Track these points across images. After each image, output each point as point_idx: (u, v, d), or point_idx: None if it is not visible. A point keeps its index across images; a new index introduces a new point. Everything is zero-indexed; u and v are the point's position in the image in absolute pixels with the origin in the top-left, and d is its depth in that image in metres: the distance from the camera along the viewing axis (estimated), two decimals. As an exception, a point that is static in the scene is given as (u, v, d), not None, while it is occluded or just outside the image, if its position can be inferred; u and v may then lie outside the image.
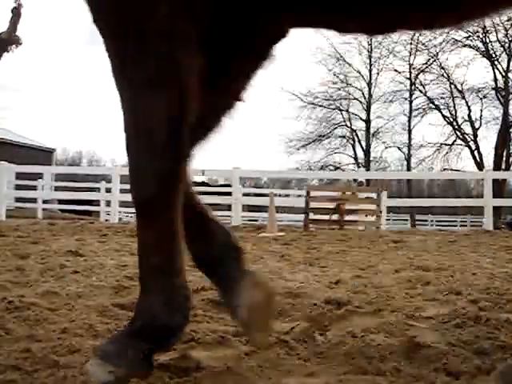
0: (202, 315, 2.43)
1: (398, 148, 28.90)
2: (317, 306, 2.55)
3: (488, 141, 29.01)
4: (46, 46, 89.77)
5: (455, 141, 27.63)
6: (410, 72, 27.82)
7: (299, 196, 14.83)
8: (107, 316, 2.43)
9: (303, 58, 44.62)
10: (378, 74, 28.78)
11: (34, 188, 17.77)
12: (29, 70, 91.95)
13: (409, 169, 27.24)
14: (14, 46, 7.25)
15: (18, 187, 16.03)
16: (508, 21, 25.08)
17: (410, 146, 28.07)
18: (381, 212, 9.26)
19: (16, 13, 7.75)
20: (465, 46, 26.67)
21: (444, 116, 27.61)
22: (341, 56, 28.65)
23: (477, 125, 26.91)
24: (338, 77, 29.02)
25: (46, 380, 1.60)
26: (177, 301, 1.62)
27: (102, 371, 1.53)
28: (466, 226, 27.34)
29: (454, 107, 27.39)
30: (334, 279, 3.49)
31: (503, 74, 25.97)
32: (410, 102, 27.91)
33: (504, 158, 26.05)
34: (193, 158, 1.79)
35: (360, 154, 29.33)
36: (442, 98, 27.67)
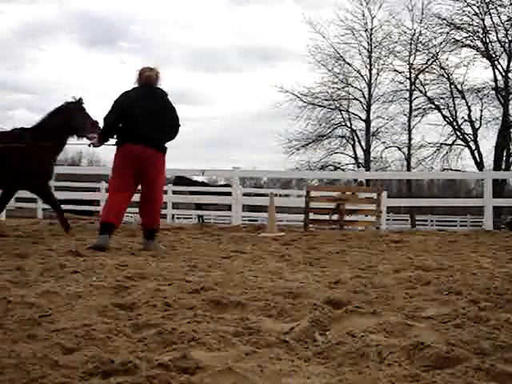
0: (202, 315, 2.43)
1: (398, 148, 28.85)
2: (317, 306, 2.56)
3: (488, 141, 28.94)
4: (46, 46, 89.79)
5: (455, 141, 27.59)
6: (410, 72, 27.76)
7: (299, 196, 14.83)
8: (107, 316, 2.43)
9: (303, 57, 44.67)
10: (377, 74, 28.73)
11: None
12: (28, 69, 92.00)
13: (409, 169, 27.21)
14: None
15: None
16: (508, 21, 25.10)
17: (410, 146, 28.04)
18: (381, 212, 9.25)
19: None
20: (465, 46, 26.61)
21: (444, 116, 27.55)
22: (341, 56, 28.59)
23: (477, 125, 26.84)
24: (337, 77, 28.99)
25: (46, 380, 1.60)
26: None
27: None
28: (466, 226, 27.33)
29: (454, 107, 27.32)
30: (334, 279, 3.49)
31: (503, 74, 25.93)
32: (410, 102, 27.84)
33: (504, 158, 26.03)
34: None
35: (360, 153, 29.33)
36: (441, 98, 27.60)
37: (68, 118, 7.02)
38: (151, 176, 5.34)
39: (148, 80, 5.47)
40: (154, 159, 5.31)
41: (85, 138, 7.05)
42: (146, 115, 5.27)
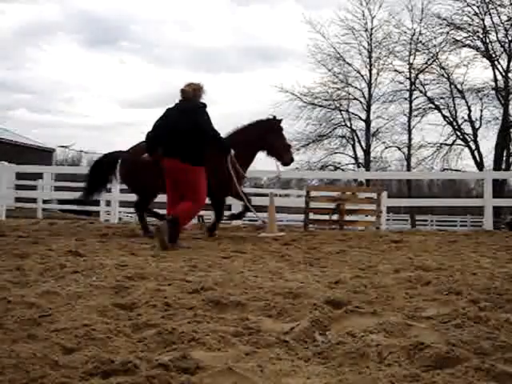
0: (202, 315, 2.43)
1: (398, 148, 28.84)
2: (317, 306, 2.56)
3: (488, 141, 28.90)
4: (46, 46, 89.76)
5: (455, 141, 27.60)
6: (410, 72, 27.77)
7: (299, 196, 14.82)
8: (107, 316, 2.43)
9: (303, 57, 44.73)
10: (378, 73, 28.74)
11: (34, 188, 17.76)
12: (28, 69, 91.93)
13: (409, 169, 27.21)
14: None
15: (18, 187, 16.02)
16: (508, 21, 25.10)
17: (410, 146, 28.03)
18: (381, 212, 9.24)
19: None
20: (465, 46, 26.63)
21: (444, 116, 27.56)
22: (341, 56, 28.62)
23: (477, 125, 26.86)
24: (337, 77, 29.00)
25: (46, 380, 1.60)
26: None
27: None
28: (466, 226, 27.34)
29: (454, 107, 27.33)
30: (334, 279, 3.49)
31: (503, 73, 25.94)
32: (410, 102, 27.85)
33: (504, 158, 26.03)
34: None
35: (360, 154, 29.31)
36: (441, 98, 27.62)
37: (262, 135, 7.19)
38: (179, 185, 5.78)
39: (183, 95, 5.90)
40: (179, 170, 5.70)
41: (275, 158, 7.35)
42: (175, 130, 5.70)
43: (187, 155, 5.69)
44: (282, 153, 7.35)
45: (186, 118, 5.74)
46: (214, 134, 5.89)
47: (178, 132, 5.69)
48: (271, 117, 7.49)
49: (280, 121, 7.52)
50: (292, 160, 7.54)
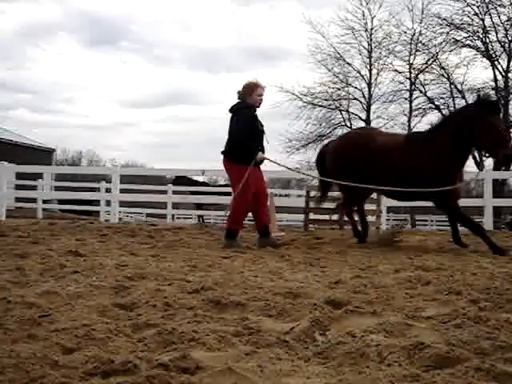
0: (202, 315, 2.43)
1: (398, 148, 28.80)
2: (317, 306, 2.56)
3: (488, 141, 28.86)
4: (47, 46, 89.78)
5: (455, 141, 27.58)
6: (410, 72, 27.74)
7: (299, 196, 14.83)
8: (107, 316, 2.43)
9: (303, 57, 44.81)
10: (378, 74, 28.71)
11: (34, 188, 17.76)
12: (28, 69, 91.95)
13: (409, 169, 27.18)
14: None
15: (18, 187, 16.03)
16: (508, 21, 25.09)
17: (410, 146, 27.98)
18: (381, 212, 9.24)
19: None
20: (465, 46, 26.61)
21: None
22: (341, 56, 28.60)
23: (477, 125, 26.85)
24: (337, 77, 28.97)
25: (46, 380, 1.60)
26: None
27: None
28: (466, 226, 27.27)
29: (454, 107, 27.27)
30: (334, 279, 3.49)
31: (503, 74, 25.92)
32: (410, 102, 27.83)
33: (504, 158, 26.02)
34: None
35: (360, 154, 29.20)
36: (441, 97, 27.62)
37: (466, 128, 5.48)
38: (230, 182, 6.26)
39: (237, 95, 6.14)
40: (227, 168, 6.09)
41: (489, 155, 5.68)
42: (229, 129, 6.07)
43: (229, 153, 5.98)
44: (493, 148, 5.42)
45: (235, 118, 6.00)
46: (237, 137, 5.92)
47: (230, 132, 6.04)
48: (479, 99, 5.58)
49: (488, 101, 5.50)
50: (509, 158, 5.39)
